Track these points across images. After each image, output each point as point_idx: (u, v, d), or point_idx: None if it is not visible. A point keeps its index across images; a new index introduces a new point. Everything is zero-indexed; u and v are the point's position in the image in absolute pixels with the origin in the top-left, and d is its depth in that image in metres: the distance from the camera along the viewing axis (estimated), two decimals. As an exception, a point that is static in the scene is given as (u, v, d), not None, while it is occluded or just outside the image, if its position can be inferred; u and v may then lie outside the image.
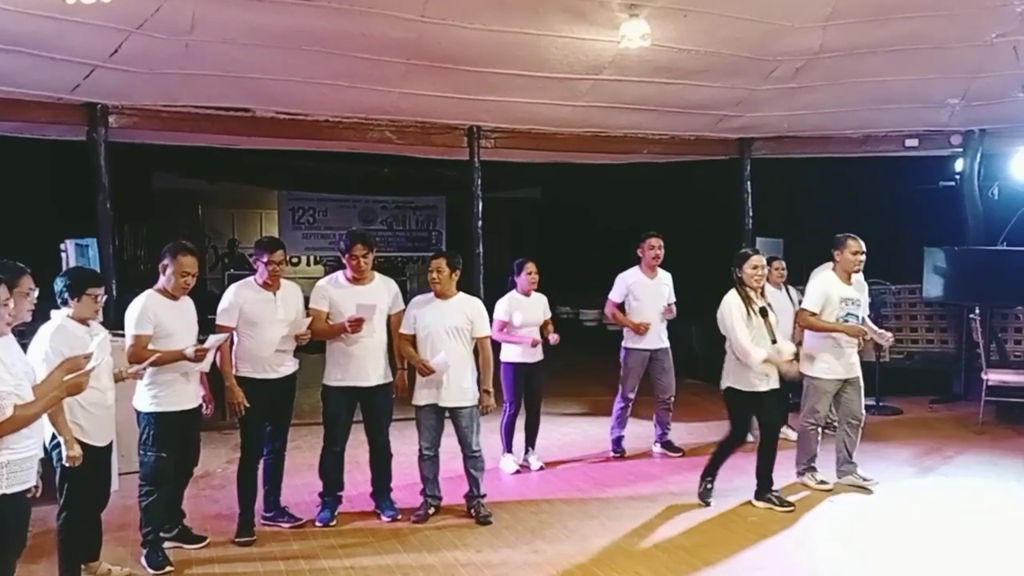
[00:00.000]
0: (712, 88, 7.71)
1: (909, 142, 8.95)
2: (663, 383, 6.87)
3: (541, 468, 6.55)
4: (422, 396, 5.34)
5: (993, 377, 7.70)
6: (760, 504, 5.54)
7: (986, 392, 7.72)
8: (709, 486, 5.64)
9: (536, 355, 6.39)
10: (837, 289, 5.76)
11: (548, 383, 6.74)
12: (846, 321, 5.74)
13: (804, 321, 5.80)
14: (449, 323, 5.25)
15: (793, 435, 6.97)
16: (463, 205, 8.97)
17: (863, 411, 5.94)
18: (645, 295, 6.79)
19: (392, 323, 5.39)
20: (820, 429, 5.94)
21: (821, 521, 5.34)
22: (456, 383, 5.28)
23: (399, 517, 5.40)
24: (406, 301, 5.55)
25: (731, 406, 5.57)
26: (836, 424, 6.12)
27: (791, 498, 5.58)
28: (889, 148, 9.08)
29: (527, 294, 6.41)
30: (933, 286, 8.79)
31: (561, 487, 6.15)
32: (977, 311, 7.97)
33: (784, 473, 5.87)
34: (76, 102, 6.94)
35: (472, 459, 5.43)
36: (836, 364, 5.78)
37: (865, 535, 5.09)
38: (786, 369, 5.47)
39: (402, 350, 5.37)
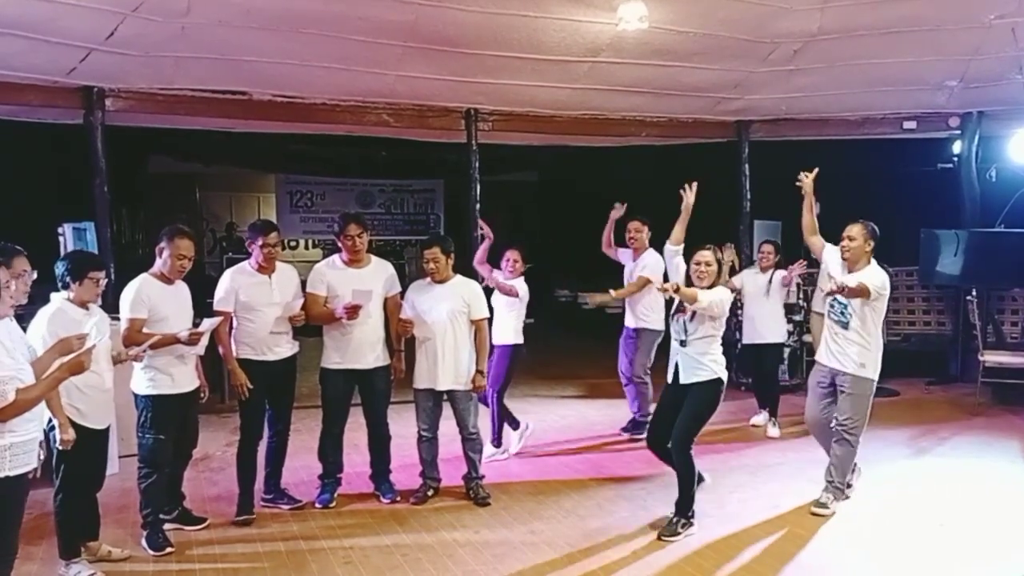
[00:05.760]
0: (710, 70, 7.69)
1: (907, 124, 8.93)
2: None
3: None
4: (419, 379, 5.37)
5: (989, 359, 7.74)
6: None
7: (982, 373, 7.77)
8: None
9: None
10: (837, 271, 5.18)
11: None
12: (831, 306, 5.17)
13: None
14: (446, 307, 5.26)
15: (774, 431, 7.00)
16: (461, 188, 8.96)
17: (837, 416, 5.14)
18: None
19: (389, 306, 5.40)
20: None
21: (813, 500, 5.36)
22: (453, 366, 5.30)
23: (398, 499, 5.44)
24: (404, 284, 5.57)
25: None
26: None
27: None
28: (887, 130, 9.07)
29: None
30: (930, 268, 8.81)
31: (559, 469, 6.19)
32: (974, 293, 7.99)
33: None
34: (72, 85, 6.93)
35: (470, 441, 5.46)
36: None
37: (861, 516, 5.13)
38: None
39: (399, 332, 5.38)
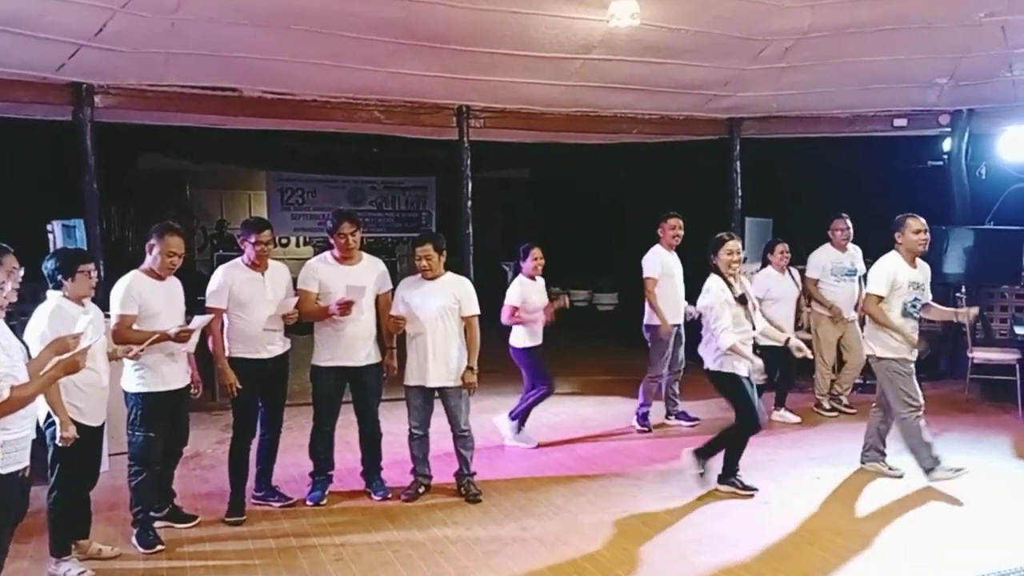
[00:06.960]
0: (701, 68, 7.69)
1: (897, 122, 8.95)
2: (679, 356, 7.08)
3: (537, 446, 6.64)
4: (410, 376, 5.36)
5: (978, 355, 7.76)
6: (724, 488, 5.44)
7: (971, 370, 7.80)
8: (702, 471, 5.47)
9: (540, 338, 6.56)
10: (905, 273, 5.53)
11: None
12: (914, 306, 5.54)
13: (871, 308, 5.56)
14: (437, 303, 5.26)
15: (792, 418, 7.14)
16: (453, 186, 8.94)
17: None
18: (674, 272, 6.96)
19: (380, 304, 5.39)
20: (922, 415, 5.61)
21: (804, 497, 5.40)
22: (443, 363, 5.29)
23: (389, 496, 5.44)
24: (395, 282, 5.56)
25: (728, 392, 5.42)
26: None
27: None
28: (877, 128, 9.08)
29: (532, 278, 6.56)
30: (920, 265, 8.83)
31: (550, 466, 6.20)
32: (964, 290, 8.01)
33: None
34: (61, 82, 6.88)
35: (461, 438, 5.46)
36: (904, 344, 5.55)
37: (853, 511, 5.15)
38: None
39: (390, 329, 5.38)
